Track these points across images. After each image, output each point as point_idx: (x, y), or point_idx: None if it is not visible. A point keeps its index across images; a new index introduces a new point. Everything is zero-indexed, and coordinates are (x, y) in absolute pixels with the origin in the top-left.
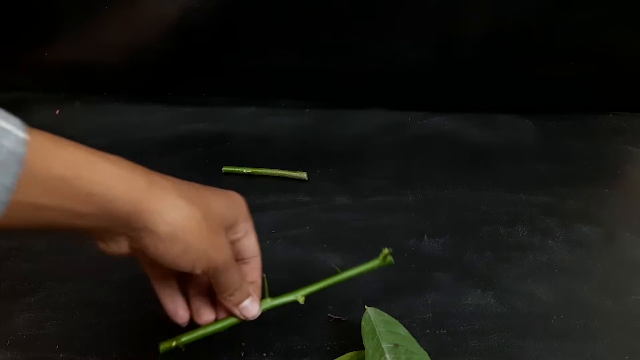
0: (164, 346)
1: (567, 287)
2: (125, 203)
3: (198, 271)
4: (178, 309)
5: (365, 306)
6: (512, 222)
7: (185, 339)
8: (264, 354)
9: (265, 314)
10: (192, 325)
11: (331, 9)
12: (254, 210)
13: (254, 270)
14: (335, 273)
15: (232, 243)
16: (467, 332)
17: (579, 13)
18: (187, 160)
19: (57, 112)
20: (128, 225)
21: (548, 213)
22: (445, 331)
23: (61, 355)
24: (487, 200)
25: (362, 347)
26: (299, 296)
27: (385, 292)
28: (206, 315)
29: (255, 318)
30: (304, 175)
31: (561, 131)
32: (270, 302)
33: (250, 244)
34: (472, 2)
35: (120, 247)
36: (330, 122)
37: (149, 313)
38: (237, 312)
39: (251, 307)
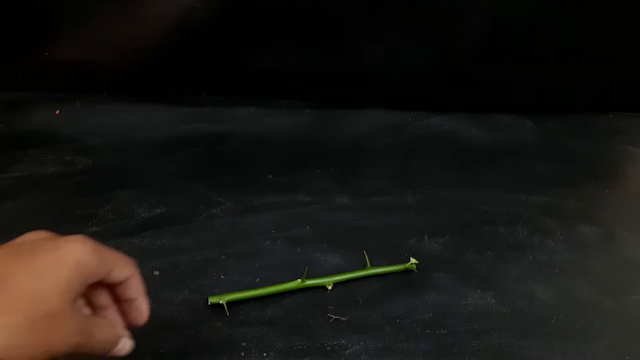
0: (213, 300)
1: (567, 287)
2: None
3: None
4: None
5: None
6: (512, 222)
7: (229, 298)
8: (264, 354)
9: (265, 314)
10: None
11: (331, 9)
12: (254, 210)
13: (133, 290)
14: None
15: (114, 287)
16: (467, 332)
17: (579, 13)
18: (187, 160)
19: (58, 112)
20: None
21: (548, 213)
22: (445, 331)
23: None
24: (487, 200)
25: (362, 347)
26: (328, 282)
27: (385, 292)
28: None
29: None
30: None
31: (561, 131)
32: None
33: (133, 285)
34: (472, 2)
35: None
36: (330, 122)
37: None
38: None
39: (123, 348)
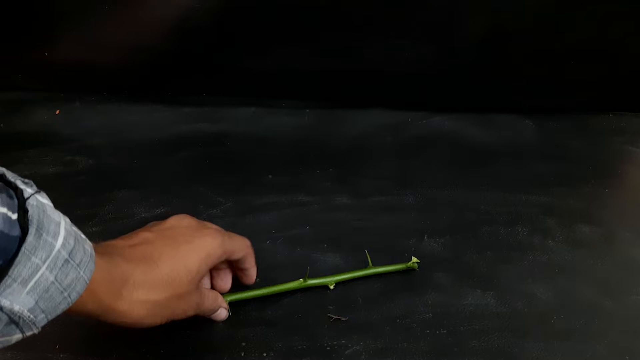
0: (230, 298)
1: (567, 287)
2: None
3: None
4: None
5: None
6: (512, 222)
7: (230, 298)
8: (264, 354)
9: (265, 314)
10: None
11: (331, 9)
12: (254, 210)
13: (247, 263)
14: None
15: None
16: (467, 332)
17: (578, 13)
18: (187, 160)
19: (57, 112)
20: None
21: (548, 213)
22: (445, 331)
23: (61, 355)
24: (487, 200)
25: (362, 347)
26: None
27: (385, 292)
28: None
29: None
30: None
31: (561, 131)
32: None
33: (247, 260)
34: (472, 2)
35: None
36: (330, 122)
37: None
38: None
39: (220, 314)
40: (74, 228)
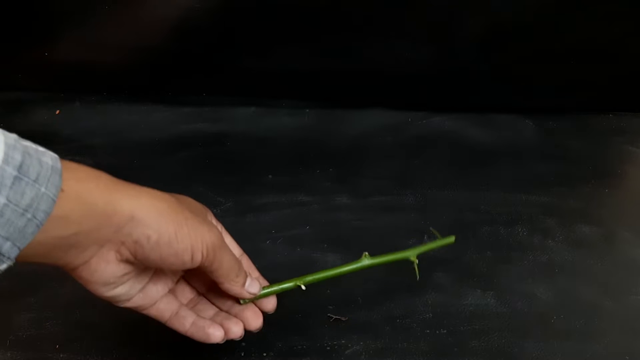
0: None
1: (567, 287)
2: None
3: (198, 257)
4: (207, 329)
5: None
6: (512, 222)
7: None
8: (264, 354)
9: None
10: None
11: (331, 9)
12: (254, 210)
13: (249, 267)
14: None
15: None
16: (467, 332)
17: (578, 13)
18: (187, 160)
19: (58, 112)
20: (118, 228)
21: (548, 213)
22: (445, 331)
23: (61, 355)
24: (487, 200)
25: (362, 347)
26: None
27: (385, 292)
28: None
29: (259, 292)
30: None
31: (561, 131)
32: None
33: (227, 241)
34: (472, 2)
35: (110, 267)
36: (330, 122)
37: None
38: (245, 293)
39: (254, 284)
40: (25, 142)
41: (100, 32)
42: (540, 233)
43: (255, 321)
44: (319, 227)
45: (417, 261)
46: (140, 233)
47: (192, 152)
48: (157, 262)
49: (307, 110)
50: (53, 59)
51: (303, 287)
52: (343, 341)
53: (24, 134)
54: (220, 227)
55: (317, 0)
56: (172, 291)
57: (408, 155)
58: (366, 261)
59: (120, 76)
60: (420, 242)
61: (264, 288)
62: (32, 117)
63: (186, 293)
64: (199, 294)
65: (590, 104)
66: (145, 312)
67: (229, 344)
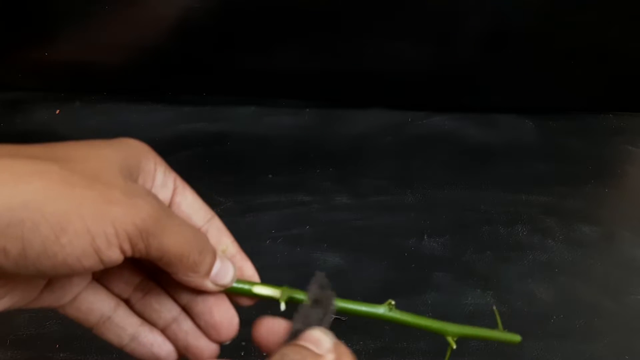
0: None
1: (567, 287)
2: None
3: (114, 254)
4: (153, 349)
5: None
6: (512, 222)
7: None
8: (264, 354)
9: (265, 313)
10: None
11: (331, 9)
12: (254, 210)
13: (220, 236)
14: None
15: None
16: None
17: (578, 13)
18: (187, 160)
19: (57, 112)
20: None
21: (548, 213)
22: None
23: (61, 355)
24: (487, 200)
25: (362, 347)
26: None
27: (385, 292)
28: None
29: (233, 282)
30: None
31: (561, 131)
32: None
33: (188, 202)
34: (472, 2)
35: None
36: (330, 122)
37: None
38: (209, 286)
39: (223, 270)
40: None
41: (100, 32)
42: (540, 233)
43: (227, 329)
44: (319, 227)
45: (454, 346)
46: (29, 231)
47: (192, 152)
48: (41, 276)
49: (307, 110)
50: (53, 59)
51: (282, 307)
52: (343, 341)
53: (24, 134)
54: (168, 172)
55: (317, 0)
56: (100, 279)
57: (408, 155)
58: (386, 311)
59: (120, 76)
60: (420, 242)
61: (241, 282)
62: (32, 117)
63: (127, 277)
64: (147, 277)
65: (590, 104)
66: (63, 312)
67: (229, 344)
